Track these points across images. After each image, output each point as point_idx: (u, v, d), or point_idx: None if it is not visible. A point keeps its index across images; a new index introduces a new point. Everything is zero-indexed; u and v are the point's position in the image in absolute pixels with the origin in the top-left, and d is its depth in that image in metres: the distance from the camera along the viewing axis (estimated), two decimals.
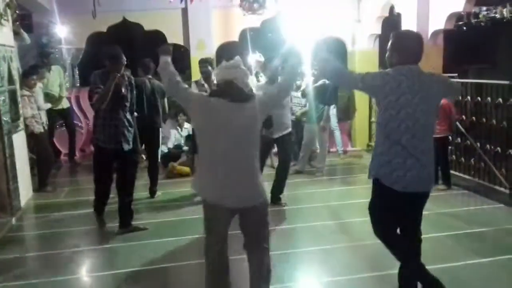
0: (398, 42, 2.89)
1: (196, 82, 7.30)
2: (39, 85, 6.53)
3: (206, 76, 5.86)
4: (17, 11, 5.97)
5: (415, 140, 2.77)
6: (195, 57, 8.38)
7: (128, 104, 4.52)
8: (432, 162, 2.91)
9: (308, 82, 6.87)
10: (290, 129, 5.47)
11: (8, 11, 5.52)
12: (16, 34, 6.14)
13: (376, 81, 2.81)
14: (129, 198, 4.57)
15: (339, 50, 8.66)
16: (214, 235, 2.95)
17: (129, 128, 4.49)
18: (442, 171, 5.87)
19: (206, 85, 5.84)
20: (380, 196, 2.95)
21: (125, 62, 4.50)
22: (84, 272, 3.97)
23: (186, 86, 2.98)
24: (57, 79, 7.45)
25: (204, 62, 6.01)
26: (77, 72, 9.13)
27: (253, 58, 7.50)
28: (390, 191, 2.85)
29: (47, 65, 7.26)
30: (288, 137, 5.49)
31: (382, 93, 2.79)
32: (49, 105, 6.89)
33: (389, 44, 2.93)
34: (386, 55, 2.95)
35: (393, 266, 3.77)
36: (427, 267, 3.62)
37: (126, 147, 4.44)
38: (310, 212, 5.24)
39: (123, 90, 4.37)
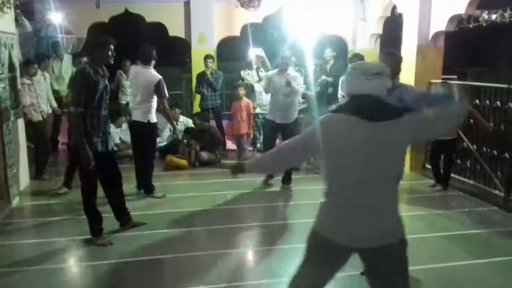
0: None
1: (202, 74, 7.35)
2: (45, 75, 6.58)
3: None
4: None
5: None
6: (196, 50, 8.40)
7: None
8: None
9: (309, 81, 6.91)
10: (296, 118, 5.98)
11: None
12: (17, 21, 6.12)
13: None
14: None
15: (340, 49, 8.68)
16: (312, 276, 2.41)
17: None
18: (443, 172, 5.95)
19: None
20: None
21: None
22: (79, 261, 3.98)
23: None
24: (69, 68, 7.53)
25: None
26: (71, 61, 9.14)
27: (254, 52, 7.51)
28: None
29: (59, 56, 7.33)
30: (293, 127, 5.83)
31: None
32: (55, 105, 6.90)
33: None
34: None
35: None
36: (421, 267, 3.67)
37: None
38: (308, 209, 5.24)
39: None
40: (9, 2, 5.44)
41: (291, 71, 5.90)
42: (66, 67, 7.58)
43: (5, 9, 5.30)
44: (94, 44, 4.09)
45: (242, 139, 7.33)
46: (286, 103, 5.80)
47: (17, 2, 5.85)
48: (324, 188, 2.32)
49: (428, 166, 6.84)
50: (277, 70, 5.95)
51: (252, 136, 7.69)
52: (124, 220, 4.48)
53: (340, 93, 6.23)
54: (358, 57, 5.95)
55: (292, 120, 5.89)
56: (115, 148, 5.95)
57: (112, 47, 4.05)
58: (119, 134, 7.67)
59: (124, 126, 7.87)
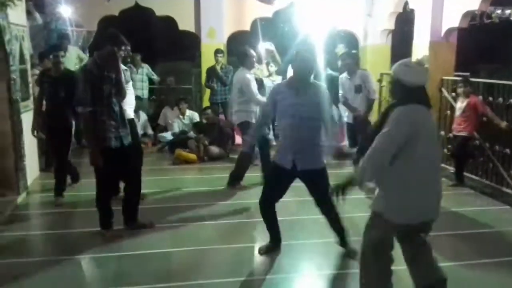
0: None
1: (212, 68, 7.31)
2: None
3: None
4: None
5: None
6: (205, 44, 8.38)
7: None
8: None
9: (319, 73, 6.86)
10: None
11: None
12: (28, 14, 6.14)
13: None
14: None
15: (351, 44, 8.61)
16: (387, 260, 2.82)
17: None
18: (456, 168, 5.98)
19: None
20: None
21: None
22: (88, 252, 3.98)
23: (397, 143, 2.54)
24: (72, 59, 7.48)
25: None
26: (87, 55, 9.13)
27: (264, 47, 7.47)
28: None
29: (65, 47, 7.30)
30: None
31: None
32: None
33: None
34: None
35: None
36: None
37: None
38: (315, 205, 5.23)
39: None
40: None
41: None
42: (70, 60, 7.45)
43: (16, 1, 5.30)
44: (105, 39, 3.95)
45: None
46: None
47: None
48: (405, 176, 2.59)
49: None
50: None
51: None
52: (129, 219, 4.32)
53: (340, 91, 6.13)
54: (351, 55, 6.02)
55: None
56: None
57: (123, 47, 3.98)
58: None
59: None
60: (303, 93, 3.55)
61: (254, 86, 5.47)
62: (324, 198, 3.61)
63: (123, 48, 3.96)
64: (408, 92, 2.62)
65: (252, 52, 5.64)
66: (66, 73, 5.13)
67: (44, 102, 5.14)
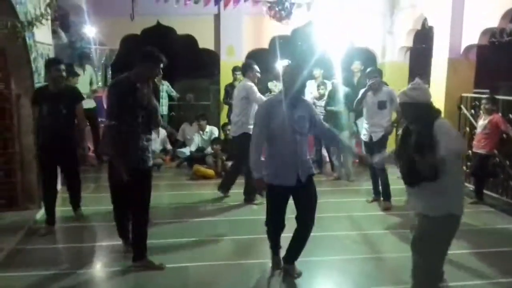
0: None
1: (230, 85, 7.44)
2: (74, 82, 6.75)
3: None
4: (56, 11, 6.17)
5: None
6: (224, 61, 8.51)
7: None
8: None
9: (335, 90, 6.90)
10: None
11: (49, 10, 5.71)
12: (54, 33, 6.34)
13: None
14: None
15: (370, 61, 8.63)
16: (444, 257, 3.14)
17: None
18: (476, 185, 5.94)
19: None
20: None
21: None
22: (105, 266, 4.04)
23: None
24: (87, 78, 7.67)
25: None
26: (110, 72, 9.34)
27: (281, 64, 7.53)
28: None
29: (83, 65, 7.50)
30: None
31: None
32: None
33: None
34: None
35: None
36: (451, 284, 3.58)
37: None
38: (333, 222, 5.22)
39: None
40: (47, 14, 5.65)
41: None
42: (84, 79, 7.58)
43: (43, 21, 5.50)
44: (144, 56, 3.66)
45: None
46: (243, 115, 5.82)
47: (56, 14, 6.05)
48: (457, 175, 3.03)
49: None
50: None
51: None
52: (136, 253, 3.87)
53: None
54: (378, 71, 5.91)
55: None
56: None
57: (162, 65, 3.73)
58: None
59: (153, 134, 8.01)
60: (299, 108, 3.60)
61: (258, 93, 5.77)
62: (312, 205, 3.70)
63: (161, 66, 3.72)
64: (426, 109, 2.96)
65: (255, 66, 5.88)
66: (67, 89, 4.82)
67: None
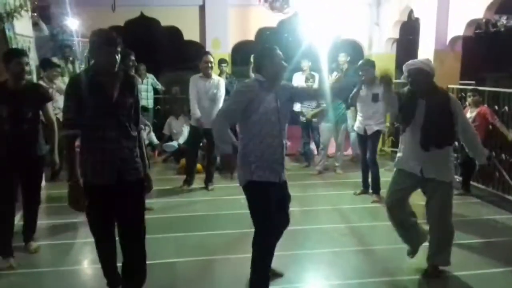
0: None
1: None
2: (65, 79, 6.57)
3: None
4: (36, 2, 6.02)
5: None
6: None
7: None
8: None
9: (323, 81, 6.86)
10: None
11: (28, 1, 5.56)
12: (34, 25, 6.19)
13: None
14: None
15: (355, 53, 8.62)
16: None
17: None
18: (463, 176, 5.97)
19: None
20: None
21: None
22: (94, 263, 3.97)
23: None
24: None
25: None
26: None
27: None
28: None
29: (68, 58, 7.32)
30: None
31: None
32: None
33: None
34: None
35: (403, 273, 3.76)
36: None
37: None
38: (321, 214, 5.22)
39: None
40: (26, 5, 5.51)
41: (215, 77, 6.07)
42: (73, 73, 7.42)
43: (22, 12, 5.36)
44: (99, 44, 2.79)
45: None
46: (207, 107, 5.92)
47: (35, 3, 5.90)
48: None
49: None
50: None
51: None
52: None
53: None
54: (371, 63, 5.76)
55: None
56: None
57: (118, 48, 2.80)
58: None
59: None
60: (281, 97, 3.19)
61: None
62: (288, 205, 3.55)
63: (119, 48, 2.79)
64: (433, 82, 3.54)
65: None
66: (30, 86, 3.92)
67: None
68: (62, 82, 6.48)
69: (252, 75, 7.36)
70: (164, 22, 8.46)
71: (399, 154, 3.72)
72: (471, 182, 6.04)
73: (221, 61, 7.71)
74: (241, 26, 8.50)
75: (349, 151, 8.07)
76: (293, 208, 3.99)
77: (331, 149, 7.39)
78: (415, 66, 3.50)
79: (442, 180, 3.48)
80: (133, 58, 4.95)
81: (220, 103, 5.81)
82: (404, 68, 3.60)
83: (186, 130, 7.97)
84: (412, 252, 3.82)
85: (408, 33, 8.99)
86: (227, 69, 7.94)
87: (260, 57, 3.20)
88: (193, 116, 6.00)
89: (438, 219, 3.54)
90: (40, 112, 3.95)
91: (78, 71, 7.69)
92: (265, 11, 7.44)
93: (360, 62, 5.78)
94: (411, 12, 7.66)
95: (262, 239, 3.13)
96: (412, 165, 3.57)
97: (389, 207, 3.67)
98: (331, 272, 3.77)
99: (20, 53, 3.83)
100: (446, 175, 3.50)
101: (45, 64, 6.27)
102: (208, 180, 6.19)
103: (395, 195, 3.65)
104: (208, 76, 5.95)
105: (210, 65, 5.93)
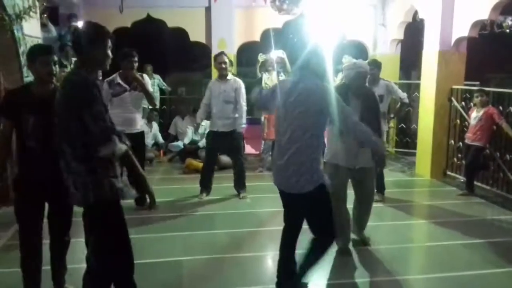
0: None
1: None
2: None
3: None
4: (45, 4, 6.09)
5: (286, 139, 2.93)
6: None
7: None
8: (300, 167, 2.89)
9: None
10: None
11: (37, 3, 5.64)
12: (43, 26, 6.26)
13: None
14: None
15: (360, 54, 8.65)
16: None
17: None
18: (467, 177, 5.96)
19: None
20: None
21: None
22: None
23: None
24: None
25: None
26: None
27: (275, 54, 7.52)
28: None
29: (69, 58, 7.39)
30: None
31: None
32: None
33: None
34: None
35: (406, 272, 3.78)
36: (441, 274, 3.64)
37: None
38: None
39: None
40: (35, 6, 5.58)
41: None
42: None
43: (32, 13, 5.43)
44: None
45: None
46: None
47: (44, 4, 5.97)
48: None
49: (449, 173, 6.76)
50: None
51: None
52: None
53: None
54: (377, 64, 5.69)
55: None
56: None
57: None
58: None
59: (145, 128, 8.01)
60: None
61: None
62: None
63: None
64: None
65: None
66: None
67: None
68: None
69: (259, 75, 7.44)
70: (170, 24, 8.53)
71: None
72: (476, 183, 6.05)
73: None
74: (246, 27, 8.56)
75: None
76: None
77: None
78: (359, 70, 3.87)
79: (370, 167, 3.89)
80: (134, 59, 4.95)
81: (242, 103, 5.68)
82: (352, 69, 3.90)
83: (190, 131, 8.03)
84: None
85: (413, 34, 9.00)
86: (232, 69, 7.99)
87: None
88: (196, 119, 6.01)
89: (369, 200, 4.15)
90: None
91: None
92: (270, 12, 7.48)
93: (366, 62, 5.77)
94: (415, 13, 7.68)
95: (332, 239, 3.10)
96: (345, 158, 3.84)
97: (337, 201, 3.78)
98: (334, 271, 3.80)
99: (47, 50, 2.99)
100: (371, 162, 3.79)
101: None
102: (239, 187, 5.81)
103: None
104: (223, 77, 5.71)
105: (224, 65, 5.64)
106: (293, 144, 2.89)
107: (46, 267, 3.17)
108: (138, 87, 5.01)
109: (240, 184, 5.79)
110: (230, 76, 5.76)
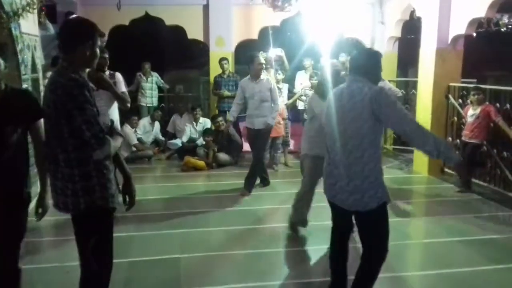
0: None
1: (220, 76, 7.37)
2: None
3: None
4: (42, 1, 6.08)
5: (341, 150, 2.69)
6: (213, 52, 8.48)
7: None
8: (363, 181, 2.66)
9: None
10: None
11: (35, 0, 5.63)
12: (40, 24, 6.25)
13: None
14: None
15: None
16: None
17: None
18: None
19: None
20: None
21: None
22: None
23: None
24: None
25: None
26: None
27: (274, 52, 7.52)
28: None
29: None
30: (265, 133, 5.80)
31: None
32: None
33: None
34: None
35: (402, 269, 3.80)
36: (439, 271, 3.67)
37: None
38: (325, 211, 5.24)
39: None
40: (33, 4, 5.57)
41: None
42: None
43: (29, 11, 5.42)
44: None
45: (278, 140, 7.30)
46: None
47: (42, 1, 5.96)
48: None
49: (446, 170, 6.79)
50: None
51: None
52: None
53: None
54: None
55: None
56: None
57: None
58: (138, 134, 7.83)
59: (144, 126, 8.04)
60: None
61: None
62: None
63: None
64: None
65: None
66: (13, 94, 2.70)
67: None
68: None
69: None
70: (168, 21, 8.53)
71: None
72: (473, 180, 6.08)
73: (222, 59, 7.79)
74: (244, 25, 8.56)
75: None
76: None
77: None
78: (337, 69, 4.04)
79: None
80: (105, 55, 4.65)
81: (277, 101, 5.84)
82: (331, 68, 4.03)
83: (188, 129, 8.04)
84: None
85: (410, 32, 9.02)
86: (229, 66, 8.01)
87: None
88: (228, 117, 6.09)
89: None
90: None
91: None
92: (268, 10, 7.49)
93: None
94: (413, 11, 7.69)
95: (386, 253, 2.92)
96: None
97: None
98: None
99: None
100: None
101: (56, 62, 6.33)
102: (248, 185, 5.83)
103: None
104: (257, 77, 5.74)
105: (263, 67, 5.85)
106: (349, 154, 2.68)
107: None
108: (107, 88, 4.60)
109: (250, 182, 5.80)
110: (262, 76, 5.80)
